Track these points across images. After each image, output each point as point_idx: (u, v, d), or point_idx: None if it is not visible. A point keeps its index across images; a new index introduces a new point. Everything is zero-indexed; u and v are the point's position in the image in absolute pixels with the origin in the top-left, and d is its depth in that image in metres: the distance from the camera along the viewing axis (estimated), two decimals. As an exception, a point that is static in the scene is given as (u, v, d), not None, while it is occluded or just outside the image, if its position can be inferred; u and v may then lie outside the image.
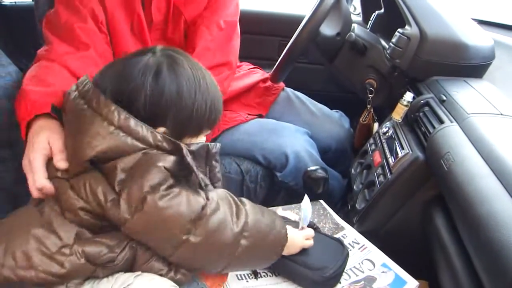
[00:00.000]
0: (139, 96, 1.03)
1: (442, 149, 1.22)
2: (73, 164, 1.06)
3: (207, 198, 1.03)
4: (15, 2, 3.11)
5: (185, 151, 1.01)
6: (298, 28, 2.01)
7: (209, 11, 1.80)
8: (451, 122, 1.30)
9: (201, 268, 1.12)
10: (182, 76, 1.08)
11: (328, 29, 1.89)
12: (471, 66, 1.61)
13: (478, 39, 1.63)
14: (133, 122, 1.00)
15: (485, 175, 1.02)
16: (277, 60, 2.11)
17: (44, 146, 1.12)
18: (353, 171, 1.79)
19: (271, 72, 2.11)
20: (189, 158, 1.01)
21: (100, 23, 1.57)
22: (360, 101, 2.04)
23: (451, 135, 1.24)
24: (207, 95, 1.12)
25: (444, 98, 1.42)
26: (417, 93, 1.61)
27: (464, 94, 1.44)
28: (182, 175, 1.04)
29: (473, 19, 1.96)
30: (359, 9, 2.74)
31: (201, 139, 1.18)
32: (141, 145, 1.01)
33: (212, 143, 1.13)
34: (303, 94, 2.23)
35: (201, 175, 1.07)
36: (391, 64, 1.79)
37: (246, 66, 2.28)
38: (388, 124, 1.68)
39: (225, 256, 1.05)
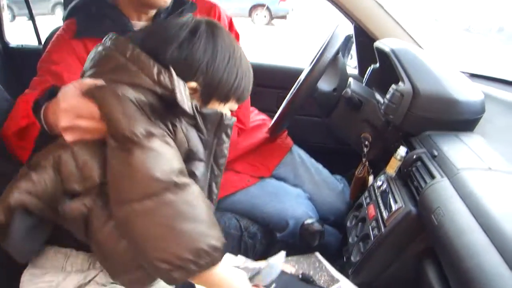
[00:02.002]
0: (173, 44, 1.07)
1: (433, 203, 1.25)
2: None
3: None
4: (22, 45, 3.19)
5: (182, 88, 1.03)
6: (296, 83, 2.06)
7: None
8: (442, 177, 1.32)
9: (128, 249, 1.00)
10: (219, 39, 1.13)
11: (325, 85, 1.94)
12: (462, 121, 1.65)
13: (469, 94, 1.67)
14: (144, 56, 1.03)
15: (473, 229, 1.05)
16: (275, 112, 2.16)
17: (73, 91, 1.06)
18: (348, 223, 1.81)
19: (270, 125, 2.15)
20: (183, 96, 1.02)
21: None
22: (356, 153, 2.07)
23: (441, 190, 1.27)
24: (239, 64, 1.16)
25: (436, 153, 1.46)
26: (411, 147, 1.63)
27: (455, 149, 1.48)
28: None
29: (463, 72, 2.01)
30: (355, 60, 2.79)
31: (226, 111, 1.19)
32: (143, 76, 1.02)
33: (228, 115, 1.15)
34: (308, 157, 2.26)
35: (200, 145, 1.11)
36: (386, 119, 1.82)
37: (255, 115, 2.29)
38: (382, 177, 1.71)
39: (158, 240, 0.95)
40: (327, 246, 1.90)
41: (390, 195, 1.57)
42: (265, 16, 15.52)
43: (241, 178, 1.98)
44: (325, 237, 1.84)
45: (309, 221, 1.72)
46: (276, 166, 2.13)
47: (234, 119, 1.18)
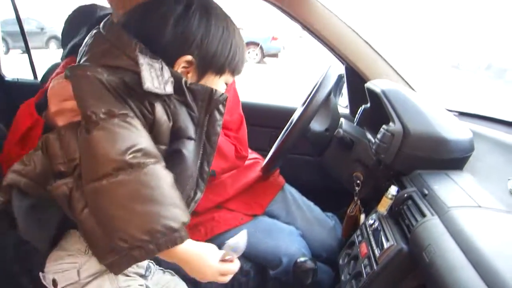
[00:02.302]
0: (168, 20, 1.10)
1: (424, 241, 1.27)
2: None
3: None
4: (17, 79, 3.24)
5: (157, 67, 1.06)
6: (288, 123, 2.09)
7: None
8: (433, 215, 1.35)
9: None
10: (212, 12, 1.16)
11: (317, 125, 1.97)
12: (452, 160, 1.68)
13: (458, 133, 1.71)
14: (126, 37, 1.08)
15: (464, 266, 1.08)
16: (268, 151, 2.19)
17: None
18: (340, 261, 1.82)
19: (263, 164, 2.17)
20: (146, 70, 1.03)
21: None
22: (346, 191, 2.09)
23: (432, 228, 1.29)
24: (233, 36, 1.19)
25: (426, 192, 1.48)
26: (401, 186, 1.66)
27: (445, 187, 1.50)
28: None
29: (452, 110, 2.06)
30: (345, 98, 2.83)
31: (222, 83, 1.23)
32: (125, 57, 1.06)
33: (219, 90, 1.16)
34: (299, 195, 2.28)
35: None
36: (377, 158, 1.85)
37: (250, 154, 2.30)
38: (374, 216, 1.73)
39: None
40: (320, 284, 1.91)
41: (381, 233, 1.59)
42: (257, 54, 15.70)
43: (234, 216, 1.99)
44: (318, 275, 1.84)
45: (302, 259, 1.73)
46: (269, 204, 2.14)
47: (226, 95, 1.18)
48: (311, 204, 2.26)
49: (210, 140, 1.20)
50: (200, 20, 1.14)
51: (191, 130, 1.14)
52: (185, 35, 1.12)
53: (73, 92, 1.02)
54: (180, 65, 1.14)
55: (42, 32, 15.73)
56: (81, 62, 1.14)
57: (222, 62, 1.19)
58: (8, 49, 11.96)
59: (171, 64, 1.12)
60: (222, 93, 1.16)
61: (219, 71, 1.21)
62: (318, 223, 2.17)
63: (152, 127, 1.08)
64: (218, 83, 1.23)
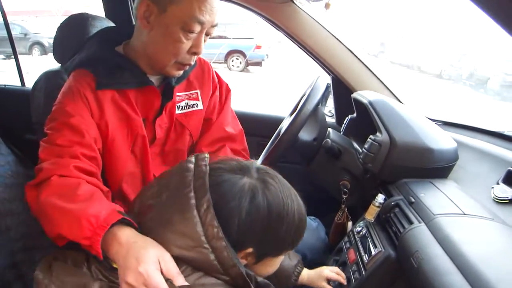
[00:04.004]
0: (234, 219, 1.08)
1: (412, 248, 1.31)
2: None
3: None
4: (5, 85, 3.22)
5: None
6: (276, 132, 2.12)
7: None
8: (419, 222, 1.40)
9: None
10: (273, 204, 1.12)
11: (306, 135, 2.00)
12: (437, 169, 1.73)
13: (443, 143, 1.77)
14: (224, 246, 1.04)
15: (451, 272, 1.13)
16: (255, 159, 2.21)
17: (154, 260, 1.07)
18: (329, 267, 1.85)
19: None
20: None
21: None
22: (330, 198, 2.13)
23: (419, 235, 1.34)
24: (292, 221, 1.15)
25: (413, 200, 1.54)
26: (388, 194, 1.71)
27: (430, 195, 1.56)
28: None
29: (436, 120, 2.11)
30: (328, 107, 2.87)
31: (280, 258, 1.24)
32: (220, 269, 1.06)
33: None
34: None
35: None
36: (364, 167, 1.90)
37: None
38: (361, 223, 1.77)
39: None
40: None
41: (369, 240, 1.63)
42: (240, 63, 15.77)
43: None
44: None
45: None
46: None
47: None
48: None
49: None
50: (263, 213, 1.11)
51: None
52: (250, 231, 1.11)
53: None
54: (241, 256, 1.14)
55: (26, 37, 15.46)
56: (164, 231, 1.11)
57: (281, 248, 1.20)
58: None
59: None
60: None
61: (278, 254, 1.22)
62: None
63: None
64: (276, 261, 1.24)
